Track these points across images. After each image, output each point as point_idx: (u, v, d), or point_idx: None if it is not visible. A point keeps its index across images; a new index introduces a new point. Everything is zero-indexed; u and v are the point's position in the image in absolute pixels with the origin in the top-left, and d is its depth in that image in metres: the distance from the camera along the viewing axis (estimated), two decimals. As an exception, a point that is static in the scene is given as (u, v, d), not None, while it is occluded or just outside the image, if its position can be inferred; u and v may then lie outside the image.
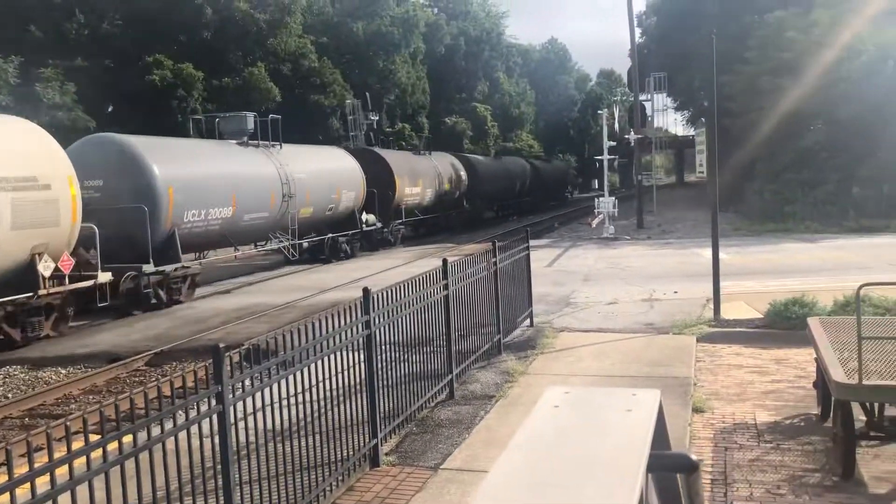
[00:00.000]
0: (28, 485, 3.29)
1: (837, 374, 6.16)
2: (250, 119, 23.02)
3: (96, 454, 3.72)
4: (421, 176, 33.95)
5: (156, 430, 4.19)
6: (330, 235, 25.64)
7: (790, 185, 30.11)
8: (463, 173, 40.63)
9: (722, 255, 13.53)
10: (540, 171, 58.76)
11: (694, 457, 1.42)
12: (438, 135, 63.79)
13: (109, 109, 39.69)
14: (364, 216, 27.53)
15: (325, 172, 25.07)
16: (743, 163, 34.55)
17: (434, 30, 63.11)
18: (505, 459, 1.23)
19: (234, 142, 22.15)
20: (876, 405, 6.47)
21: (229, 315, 15.43)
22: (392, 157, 32.44)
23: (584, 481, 1.14)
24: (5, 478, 3.26)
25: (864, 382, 5.90)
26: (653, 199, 41.58)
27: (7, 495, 3.22)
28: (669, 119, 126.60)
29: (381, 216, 28.89)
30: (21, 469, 3.33)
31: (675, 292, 15.05)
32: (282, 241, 22.53)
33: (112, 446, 3.81)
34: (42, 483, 3.37)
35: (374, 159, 30.24)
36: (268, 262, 25.87)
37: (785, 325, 11.23)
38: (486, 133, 68.89)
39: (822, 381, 7.23)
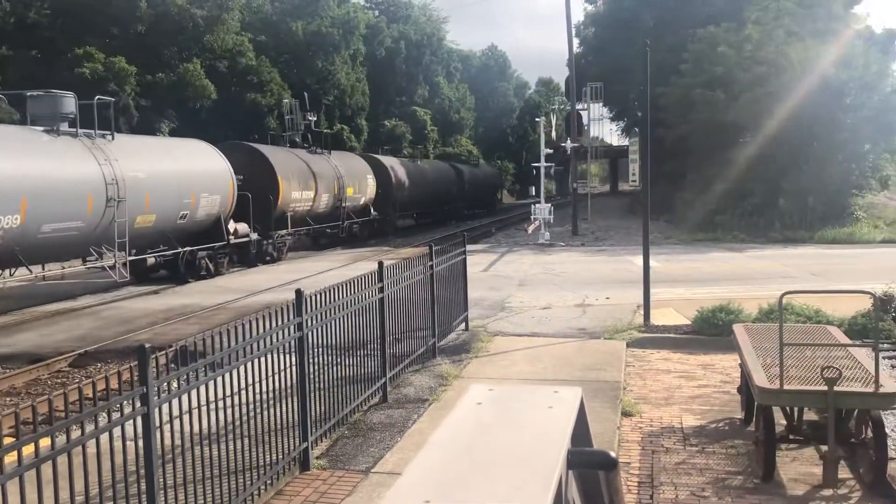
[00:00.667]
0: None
1: (760, 379, 6.36)
2: (69, 101, 18.09)
3: (11, 458, 3.57)
4: (316, 179, 28.96)
5: (77, 433, 4.05)
6: (187, 249, 20.43)
7: (719, 196, 31.00)
8: (371, 178, 36.12)
9: (653, 263, 13.84)
10: (465, 177, 53.83)
11: (613, 454, 1.43)
12: (378, 137, 63.60)
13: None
14: (233, 225, 22.57)
15: (175, 172, 20.23)
16: (675, 173, 35.45)
17: (374, 32, 62.96)
18: (422, 457, 1.22)
19: (42, 129, 17.06)
20: (796, 409, 6.71)
21: (158, 316, 15.05)
22: (276, 155, 27.57)
23: (499, 477, 1.14)
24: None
25: (785, 388, 6.10)
26: (587, 207, 42.25)
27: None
28: (605, 128, 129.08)
29: (260, 225, 24.26)
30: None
31: (607, 298, 15.31)
32: (104, 258, 17.43)
33: (28, 449, 3.67)
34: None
35: (251, 158, 25.64)
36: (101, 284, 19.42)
37: (712, 331, 11.54)
38: (425, 137, 68.97)
39: (746, 386, 7.45)
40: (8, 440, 3.58)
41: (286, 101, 43.91)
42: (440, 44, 76.83)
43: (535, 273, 20.22)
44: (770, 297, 11.90)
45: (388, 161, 41.24)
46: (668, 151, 34.98)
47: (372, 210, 35.98)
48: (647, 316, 12.72)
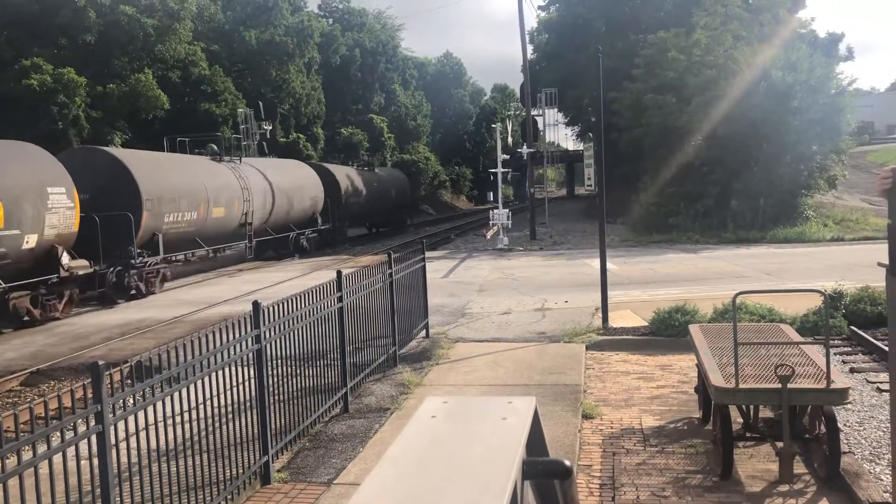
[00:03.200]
0: None
1: (716, 378, 6.47)
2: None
3: (-41, 482, 3.47)
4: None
5: (28, 455, 3.95)
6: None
7: (673, 198, 31.49)
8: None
9: (610, 266, 14.01)
10: (340, 186, 38.00)
11: (568, 462, 1.45)
12: (335, 145, 63.31)
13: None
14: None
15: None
16: (630, 176, 35.95)
17: (329, 40, 62.73)
18: (376, 474, 1.22)
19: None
20: (751, 407, 6.83)
21: (113, 331, 14.77)
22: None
23: (454, 491, 1.15)
24: None
25: (741, 386, 6.21)
26: (545, 212, 42.57)
27: None
28: (560, 134, 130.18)
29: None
30: None
31: (566, 302, 15.44)
32: None
33: (-23, 473, 3.57)
34: None
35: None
36: None
37: (668, 332, 11.71)
38: (382, 144, 68.86)
39: (703, 386, 7.57)
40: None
41: (241, 110, 43.55)
42: (395, 51, 76.82)
43: (495, 278, 20.31)
44: (724, 297, 12.13)
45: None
46: (622, 155, 35.48)
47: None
48: (605, 318, 12.86)
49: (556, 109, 49.89)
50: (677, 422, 8.08)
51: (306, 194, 32.89)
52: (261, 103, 43.94)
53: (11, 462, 3.85)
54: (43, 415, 4.08)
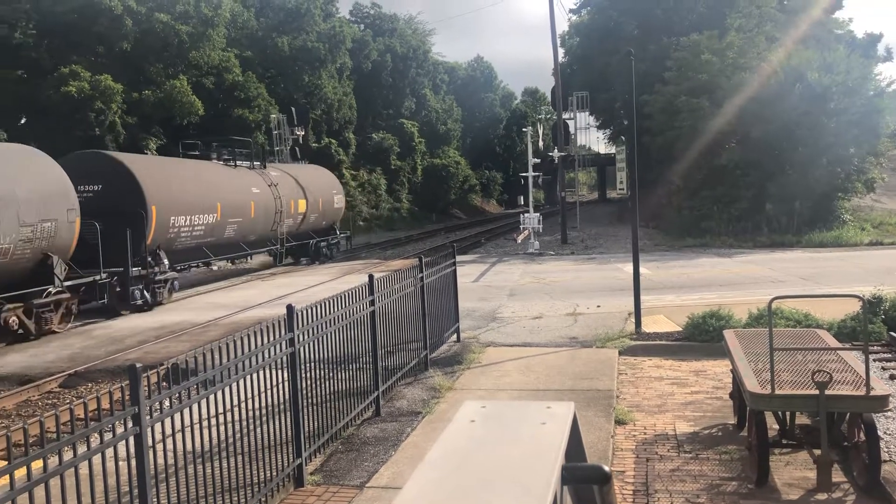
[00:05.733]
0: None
1: (751, 384, 6.38)
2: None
3: (3, 481, 3.55)
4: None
5: (69, 455, 4.03)
6: None
7: (706, 202, 31.18)
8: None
9: (642, 270, 13.90)
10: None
11: (606, 468, 1.44)
12: (365, 150, 63.66)
13: (23, 121, 38.26)
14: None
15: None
16: (662, 179, 35.65)
17: (360, 46, 63.12)
18: (417, 476, 1.22)
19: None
20: (787, 414, 6.74)
21: (148, 334, 14.98)
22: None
23: (494, 495, 1.15)
24: None
25: (777, 392, 6.13)
26: (576, 216, 42.39)
27: None
28: (592, 137, 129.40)
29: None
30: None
31: (598, 306, 15.35)
32: None
33: (20, 472, 3.64)
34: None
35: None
36: None
37: (702, 337, 11.59)
38: (413, 149, 69.09)
39: (738, 392, 7.48)
40: (0, 463, 3.56)
41: (273, 116, 44.00)
42: (426, 56, 77.07)
43: (526, 283, 20.25)
44: (759, 303, 11.98)
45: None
46: (654, 158, 35.21)
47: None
48: (638, 323, 12.76)
49: (587, 113, 49.70)
50: (712, 428, 7.99)
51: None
52: (293, 109, 44.36)
53: (52, 462, 3.93)
54: (82, 416, 4.15)
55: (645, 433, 7.90)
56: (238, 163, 25.75)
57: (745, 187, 30.15)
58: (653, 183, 36.45)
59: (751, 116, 29.53)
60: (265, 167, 26.87)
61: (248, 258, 26.54)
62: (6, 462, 3.60)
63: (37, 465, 3.77)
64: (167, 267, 19.48)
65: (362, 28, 69.01)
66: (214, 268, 24.67)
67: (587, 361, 10.79)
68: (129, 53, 40.30)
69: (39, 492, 3.77)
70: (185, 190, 20.84)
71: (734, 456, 7.10)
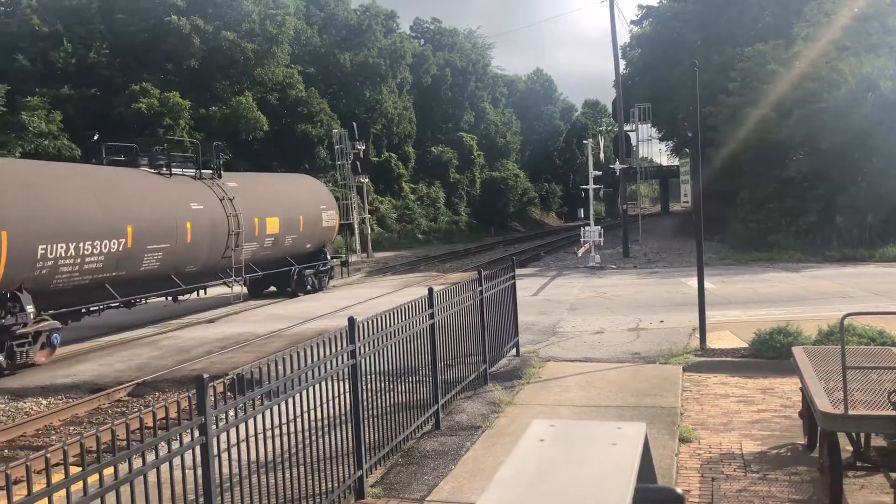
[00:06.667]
0: (5, 519, 3.23)
1: (823, 403, 6.17)
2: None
3: (77, 487, 3.65)
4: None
5: (137, 462, 4.13)
6: None
7: (773, 215, 30.40)
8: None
9: (707, 285, 13.61)
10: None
11: (679, 490, 1.41)
12: (425, 164, 64.09)
13: (95, 137, 39.67)
14: None
15: None
16: (727, 192, 34.91)
17: (421, 61, 63.70)
18: (489, 495, 1.21)
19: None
20: (862, 435, 6.48)
21: (213, 345, 15.31)
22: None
23: None
24: (-18, 512, 3.20)
25: (850, 412, 5.90)
26: (638, 229, 41.82)
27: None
28: (654, 149, 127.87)
29: None
30: (0, 502, 3.27)
31: (661, 321, 15.08)
32: None
33: (93, 479, 3.75)
34: (20, 517, 3.31)
35: None
36: None
37: (770, 354, 11.27)
38: (471, 162, 69.26)
39: (808, 411, 7.24)
40: (73, 469, 3.67)
41: (335, 130, 44.66)
42: (485, 70, 77.33)
43: (587, 297, 20.03)
44: (830, 319, 11.59)
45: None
46: (718, 170, 34.49)
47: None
48: (702, 339, 12.48)
49: (649, 124, 49.05)
50: (780, 448, 7.74)
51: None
52: (354, 124, 44.92)
53: (122, 470, 4.02)
54: (150, 425, 4.25)
55: (710, 452, 7.71)
56: (180, 171, 19.92)
57: (814, 200, 29.29)
58: (717, 196, 35.71)
59: (820, 127, 28.71)
60: (220, 176, 20.93)
61: (203, 291, 20.60)
62: (80, 468, 3.70)
63: (108, 471, 3.87)
64: (32, 316, 14.02)
65: (422, 43, 69.65)
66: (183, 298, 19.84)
67: (650, 377, 10.59)
68: (197, 71, 41.50)
69: (110, 498, 3.87)
70: (68, 208, 15.18)
71: (805, 478, 6.87)
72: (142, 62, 40.32)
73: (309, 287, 24.20)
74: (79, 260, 15.14)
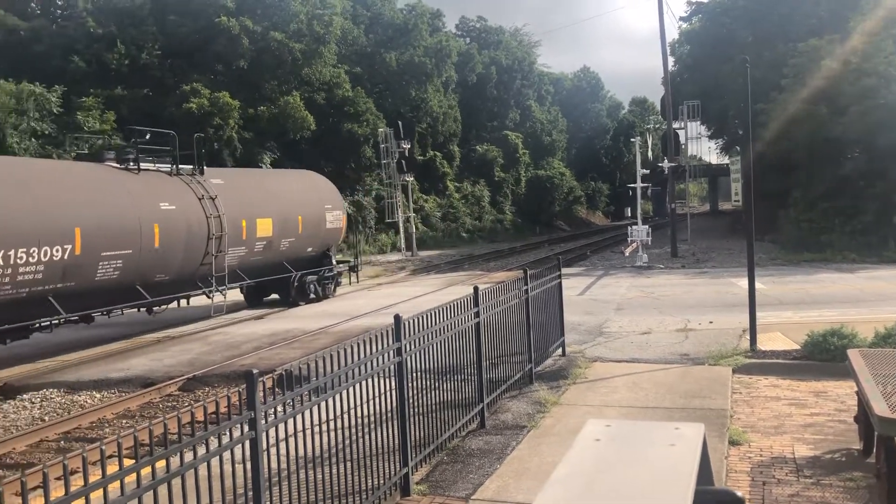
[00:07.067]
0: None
1: (880, 408, 6.00)
2: None
3: (130, 478, 3.73)
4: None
5: (188, 456, 4.20)
6: None
7: (827, 214, 29.67)
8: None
9: (758, 285, 13.34)
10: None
11: (740, 493, 1.38)
12: (469, 163, 64.04)
13: (147, 137, 40.48)
14: None
15: None
16: (778, 191, 34.18)
17: (466, 59, 63.67)
18: (546, 494, 1.19)
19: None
20: (921, 441, 6.29)
21: (262, 341, 15.52)
22: None
23: None
24: (42, 501, 3.28)
25: (909, 417, 5.73)
26: (687, 228, 41.21)
27: (42, 519, 3.23)
28: (703, 147, 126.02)
29: None
30: (57, 492, 3.35)
31: (711, 322, 14.84)
32: None
33: (146, 471, 3.83)
34: (76, 507, 3.39)
35: None
36: None
37: (823, 356, 11.00)
38: (517, 161, 69.02)
39: (864, 416, 7.05)
40: (126, 461, 3.75)
41: (381, 129, 44.91)
42: (531, 68, 76.98)
43: (634, 296, 19.80)
44: (887, 321, 11.28)
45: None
46: (770, 169, 33.78)
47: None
48: (753, 340, 12.25)
49: (698, 122, 48.31)
50: (834, 452, 7.55)
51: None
52: (400, 123, 45.11)
53: (174, 463, 4.10)
54: (201, 419, 4.32)
55: (761, 455, 7.56)
56: (153, 166, 17.57)
57: (870, 199, 28.49)
58: (768, 195, 34.98)
59: (877, 124, 27.91)
60: (201, 172, 18.52)
61: (187, 301, 18.28)
62: (133, 460, 3.78)
63: (160, 464, 3.94)
64: None
65: (468, 41, 69.62)
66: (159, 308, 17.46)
67: (699, 379, 10.43)
68: (246, 71, 42.10)
69: (162, 490, 3.95)
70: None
71: (860, 484, 6.69)
72: (192, 63, 41.06)
73: (312, 295, 21.71)
74: (9, 270, 12.77)
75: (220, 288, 17.99)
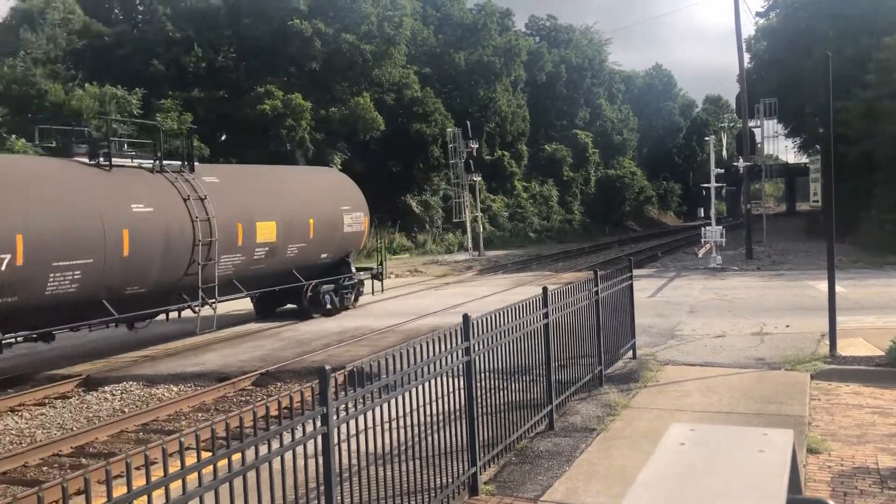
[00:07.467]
0: (145, 497, 3.42)
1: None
2: None
3: (207, 470, 3.83)
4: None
5: (263, 450, 4.28)
6: None
7: (913, 216, 28.49)
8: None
9: (838, 288, 12.88)
10: None
11: (832, 502, 1.32)
12: (538, 162, 63.67)
13: (223, 138, 41.58)
14: None
15: None
16: (860, 191, 32.96)
17: (535, 58, 63.32)
18: (632, 499, 1.17)
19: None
20: None
21: (331, 338, 15.74)
22: None
23: None
24: (124, 489, 3.40)
25: None
26: (762, 229, 40.09)
27: (125, 506, 3.35)
28: (780, 146, 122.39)
29: None
30: (138, 482, 3.47)
31: (787, 326, 14.39)
32: None
33: (222, 463, 3.92)
34: (157, 496, 3.50)
35: None
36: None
37: (910, 363, 10.55)
38: (586, 160, 68.29)
39: (954, 426, 6.72)
40: (202, 454, 3.85)
41: (449, 129, 45.05)
42: (602, 66, 76.07)
43: (707, 299, 19.36)
44: (979, 327, 10.74)
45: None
46: (851, 168, 32.62)
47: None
48: (833, 346, 11.82)
49: (775, 120, 46.85)
50: (922, 464, 7.23)
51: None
52: (468, 122, 45.15)
53: (248, 456, 4.19)
54: (275, 414, 4.41)
55: (842, 465, 7.29)
56: (131, 161, 15.24)
57: (959, 199, 27.24)
58: (849, 195, 33.75)
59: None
60: (192, 169, 16.21)
61: (178, 314, 16.05)
62: (210, 453, 3.88)
63: (235, 457, 4.04)
64: None
65: (537, 40, 69.21)
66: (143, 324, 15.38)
67: (775, 384, 10.13)
68: (317, 73, 42.80)
69: (236, 483, 4.04)
70: None
71: (950, 497, 6.39)
72: (266, 65, 41.95)
73: (328, 306, 19.28)
74: None
75: (209, 301, 15.59)
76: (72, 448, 9.47)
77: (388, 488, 5.49)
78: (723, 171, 32.05)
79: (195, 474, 3.74)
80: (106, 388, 12.53)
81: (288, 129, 38.84)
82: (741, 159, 33.17)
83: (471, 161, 43.99)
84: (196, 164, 16.68)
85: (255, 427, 4.17)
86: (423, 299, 22.13)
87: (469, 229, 44.43)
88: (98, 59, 39.37)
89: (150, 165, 15.48)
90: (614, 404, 9.35)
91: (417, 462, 5.90)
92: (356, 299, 20.77)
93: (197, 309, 15.58)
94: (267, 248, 17.29)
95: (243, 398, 11.83)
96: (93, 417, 11.05)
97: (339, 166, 41.71)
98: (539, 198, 61.70)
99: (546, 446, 7.97)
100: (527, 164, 62.01)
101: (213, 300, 15.74)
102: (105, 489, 3.35)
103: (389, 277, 29.17)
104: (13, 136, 28.33)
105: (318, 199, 19.66)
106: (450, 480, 6.33)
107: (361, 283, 21.18)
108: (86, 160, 14.26)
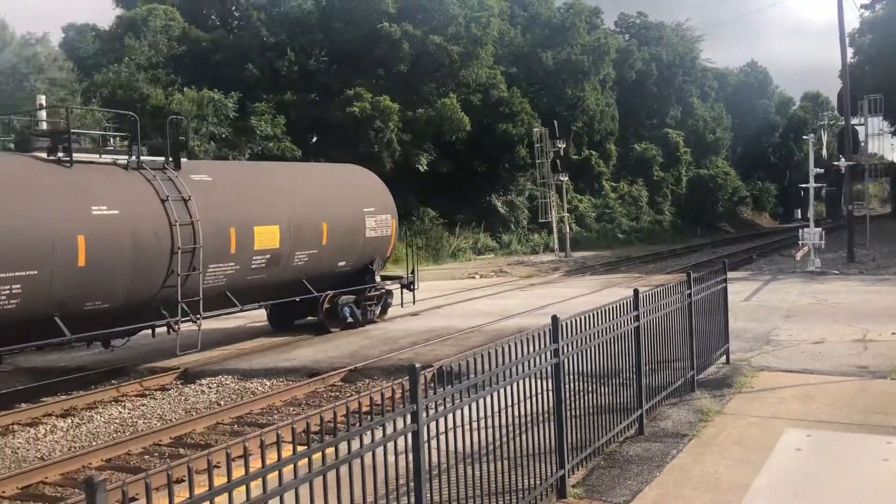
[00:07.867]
0: (243, 487, 3.54)
1: None
2: None
3: (301, 463, 3.93)
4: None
5: (354, 445, 4.36)
6: None
7: None
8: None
9: (951, 294, 12.17)
10: None
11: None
12: (627, 162, 62.59)
13: (314, 140, 42.56)
14: None
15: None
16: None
17: (625, 56, 62.28)
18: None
19: None
20: None
21: (418, 336, 15.89)
22: None
23: None
24: (224, 479, 3.53)
25: None
26: (865, 231, 38.26)
27: (225, 495, 3.47)
28: (885, 144, 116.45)
29: None
30: (236, 472, 3.58)
31: (893, 334, 13.69)
32: None
33: (315, 457, 4.01)
34: (254, 486, 3.61)
35: None
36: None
37: None
38: (677, 160, 66.72)
39: None
40: (295, 447, 3.95)
41: (536, 129, 44.77)
42: (694, 63, 74.15)
43: (805, 303, 18.62)
44: None
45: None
46: (965, 167, 30.74)
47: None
48: (944, 355, 11.18)
49: (880, 117, 44.62)
50: None
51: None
52: (555, 122, 44.77)
53: (340, 449, 4.27)
54: (367, 409, 4.49)
55: (954, 481, 6.88)
56: (99, 157, 13.20)
57: None
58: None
59: None
60: (177, 165, 14.08)
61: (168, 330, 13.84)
62: (303, 446, 3.98)
63: (328, 451, 4.13)
64: None
65: (627, 38, 68.05)
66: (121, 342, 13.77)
67: (880, 394, 9.64)
68: (405, 75, 43.26)
69: (329, 476, 4.13)
70: None
71: None
72: (355, 68, 42.69)
73: (349, 319, 17.13)
74: None
75: (192, 317, 13.45)
76: (171, 438, 9.88)
77: (475, 487, 5.50)
78: (822, 170, 30.73)
79: (290, 466, 3.84)
80: (203, 382, 13.01)
81: (376, 131, 39.41)
82: (842, 158, 31.76)
83: (557, 161, 43.62)
84: (185, 160, 14.62)
85: (348, 422, 4.25)
86: (508, 300, 22.09)
87: (555, 230, 44.06)
88: (196, 64, 40.92)
89: (126, 162, 13.36)
90: (706, 410, 9.10)
91: (505, 462, 5.89)
92: (383, 311, 18.56)
93: (177, 326, 13.36)
94: (268, 256, 15.03)
95: (333, 394, 12.08)
96: (190, 409, 11.49)
97: (425, 167, 42.12)
98: (628, 198, 60.66)
99: (636, 451, 7.83)
100: (615, 164, 61.06)
101: (199, 315, 13.51)
102: (206, 478, 3.48)
103: (474, 277, 29.33)
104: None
105: (334, 199, 17.28)
106: (537, 482, 6.29)
107: (390, 293, 18.63)
108: (44, 156, 12.35)
